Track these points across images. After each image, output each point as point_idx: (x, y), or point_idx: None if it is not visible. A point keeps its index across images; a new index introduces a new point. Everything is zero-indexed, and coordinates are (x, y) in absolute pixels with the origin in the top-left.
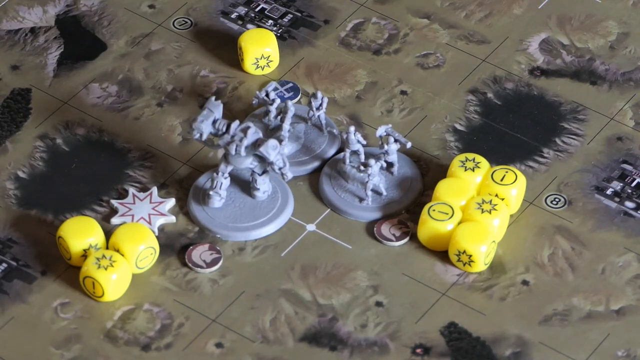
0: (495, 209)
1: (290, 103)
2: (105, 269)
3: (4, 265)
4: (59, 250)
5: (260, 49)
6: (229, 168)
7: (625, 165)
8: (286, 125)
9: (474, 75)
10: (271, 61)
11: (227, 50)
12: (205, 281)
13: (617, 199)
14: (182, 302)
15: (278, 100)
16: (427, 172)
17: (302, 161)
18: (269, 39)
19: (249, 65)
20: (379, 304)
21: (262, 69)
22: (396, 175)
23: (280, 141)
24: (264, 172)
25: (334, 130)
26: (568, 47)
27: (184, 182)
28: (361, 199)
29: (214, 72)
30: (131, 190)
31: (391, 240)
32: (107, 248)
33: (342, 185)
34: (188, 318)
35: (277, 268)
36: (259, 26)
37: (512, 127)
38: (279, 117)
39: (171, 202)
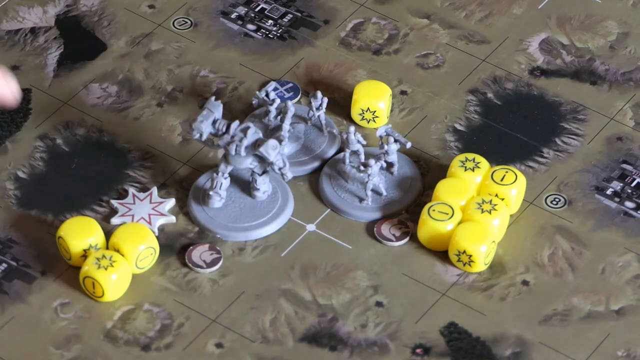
0: (495, 209)
1: (290, 103)
2: (105, 269)
3: (4, 265)
4: (59, 250)
5: (370, 101)
6: (229, 168)
7: (625, 165)
8: (286, 125)
9: (474, 75)
10: (377, 117)
11: (227, 50)
12: (205, 281)
13: (617, 199)
14: (182, 302)
15: (278, 100)
16: (427, 172)
17: (302, 161)
18: (382, 94)
19: (355, 114)
20: (379, 304)
21: (367, 122)
22: (396, 175)
23: (280, 141)
24: (264, 172)
25: (334, 131)
26: (568, 47)
27: (184, 182)
28: (361, 199)
29: (214, 72)
30: (131, 190)
31: (391, 240)
32: (107, 248)
33: (342, 185)
34: (188, 318)
35: (277, 268)
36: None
37: (512, 127)
38: (279, 117)
39: (171, 202)
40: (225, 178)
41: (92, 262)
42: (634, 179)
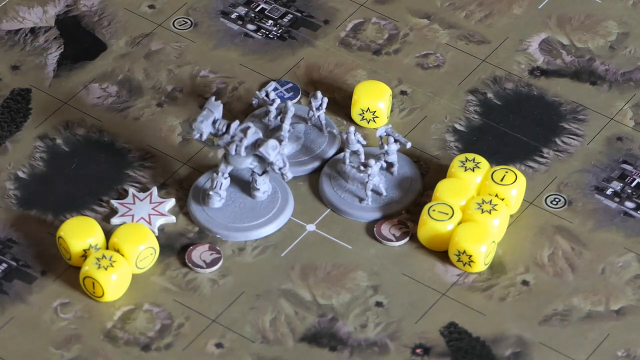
0: (495, 209)
1: (290, 103)
2: (105, 269)
3: (4, 265)
4: (59, 250)
5: (370, 101)
6: (229, 168)
7: (625, 165)
8: (286, 126)
9: (474, 75)
10: (377, 117)
11: (227, 50)
12: (205, 281)
13: (617, 199)
14: (182, 302)
15: (278, 100)
16: (427, 172)
17: (302, 161)
18: (382, 95)
19: (355, 114)
20: (379, 304)
21: (367, 122)
22: (396, 175)
23: (280, 141)
24: (264, 172)
25: (334, 131)
26: (568, 47)
27: (184, 182)
28: (361, 199)
29: (214, 72)
30: (131, 190)
31: (391, 240)
32: (107, 248)
33: (342, 186)
34: (188, 318)
35: (277, 268)
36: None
37: (512, 127)
38: (279, 117)
39: (171, 202)
40: (225, 178)
41: (92, 262)
42: (634, 179)
